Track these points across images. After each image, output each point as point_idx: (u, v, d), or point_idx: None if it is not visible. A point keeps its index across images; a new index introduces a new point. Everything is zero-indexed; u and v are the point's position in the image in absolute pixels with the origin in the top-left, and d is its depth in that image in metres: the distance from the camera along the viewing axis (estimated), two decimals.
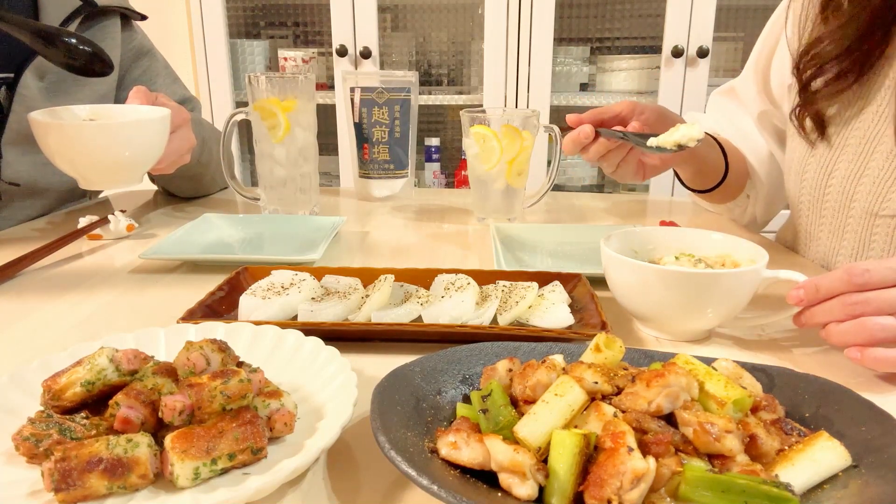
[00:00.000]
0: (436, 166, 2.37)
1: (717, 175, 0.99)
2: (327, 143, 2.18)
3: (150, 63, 1.17)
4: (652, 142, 0.77)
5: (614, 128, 0.86)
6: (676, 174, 1.05)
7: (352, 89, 1.11)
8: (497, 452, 0.36)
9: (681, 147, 0.76)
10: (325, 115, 2.08)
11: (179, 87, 1.22)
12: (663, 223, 0.97)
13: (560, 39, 2.31)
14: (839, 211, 0.79)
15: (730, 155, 0.98)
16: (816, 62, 0.79)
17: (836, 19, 0.77)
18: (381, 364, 0.50)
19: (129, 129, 0.80)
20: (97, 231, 0.92)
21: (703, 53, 2.02)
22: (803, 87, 0.81)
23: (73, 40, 0.77)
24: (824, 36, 0.78)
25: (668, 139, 0.76)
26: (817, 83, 0.79)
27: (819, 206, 0.82)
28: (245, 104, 1.02)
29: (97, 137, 0.78)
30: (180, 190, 1.20)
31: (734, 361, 0.45)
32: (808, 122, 0.81)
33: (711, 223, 1.05)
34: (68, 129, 0.78)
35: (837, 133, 0.78)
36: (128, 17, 1.13)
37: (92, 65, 0.79)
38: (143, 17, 1.15)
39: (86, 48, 0.78)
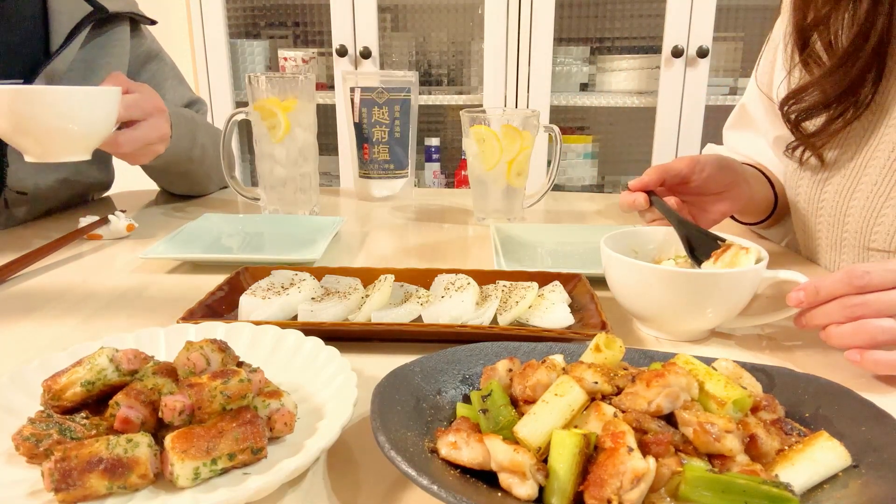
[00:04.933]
0: (436, 166, 2.37)
1: (767, 208, 0.92)
2: (327, 143, 2.18)
3: (158, 67, 1.17)
4: (705, 266, 0.63)
5: (667, 199, 0.78)
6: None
7: (352, 89, 1.11)
8: (497, 452, 0.36)
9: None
10: (325, 115, 2.08)
11: (186, 90, 1.22)
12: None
13: (560, 39, 2.31)
14: (834, 226, 0.77)
15: (776, 184, 0.92)
16: (803, 107, 0.76)
17: (819, 67, 0.74)
18: (381, 364, 0.50)
19: (67, 98, 0.77)
20: (97, 231, 0.92)
21: (703, 53, 2.02)
22: (795, 128, 0.78)
23: None
24: (809, 84, 0.74)
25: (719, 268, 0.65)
26: (808, 126, 0.77)
27: (814, 220, 0.81)
28: (245, 104, 1.02)
29: (33, 102, 0.75)
30: (173, 186, 1.20)
31: (734, 361, 0.45)
32: (807, 155, 0.79)
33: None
34: (3, 92, 0.75)
35: (830, 154, 0.77)
36: (136, 20, 1.12)
37: None
38: (153, 22, 1.14)
39: None
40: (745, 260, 0.59)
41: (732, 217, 0.98)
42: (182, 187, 1.20)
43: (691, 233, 0.66)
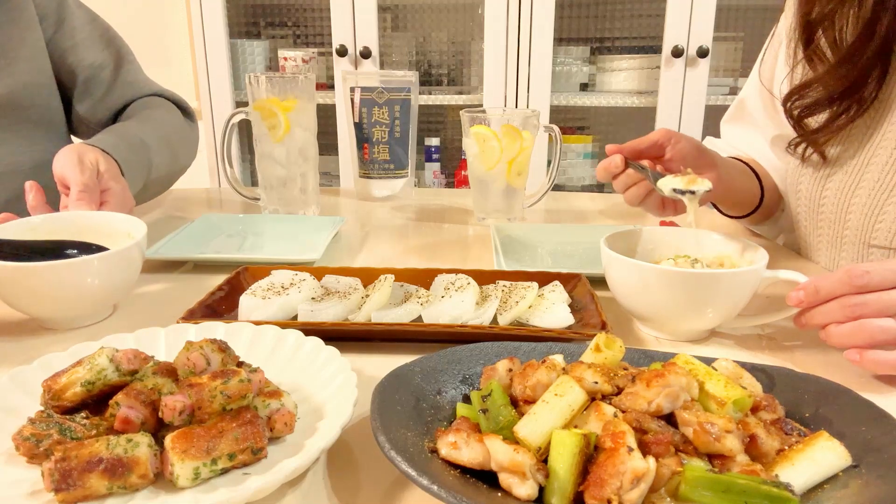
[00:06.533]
0: (436, 166, 2.37)
1: (752, 201, 0.93)
2: (327, 143, 2.18)
3: (70, 25, 1.03)
4: (661, 183, 0.70)
5: (642, 161, 0.80)
6: (714, 204, 0.98)
7: (352, 89, 1.11)
8: (497, 452, 0.36)
9: (691, 192, 0.69)
10: (325, 115, 2.07)
11: (105, 49, 1.07)
12: (663, 223, 0.97)
13: (560, 39, 2.31)
14: (835, 223, 0.77)
15: (764, 179, 0.93)
16: (806, 103, 0.76)
17: (823, 63, 0.74)
18: (381, 364, 0.50)
19: (88, 267, 0.62)
20: None
21: (703, 53, 2.02)
22: (797, 124, 0.78)
23: None
24: (813, 80, 0.74)
25: (674, 183, 0.69)
26: (810, 122, 0.77)
27: (815, 217, 0.81)
28: (245, 104, 1.02)
29: (52, 277, 0.60)
30: (138, 200, 1.07)
31: (734, 361, 0.45)
32: (809, 152, 0.79)
33: (712, 224, 1.05)
34: (11, 270, 0.59)
35: (832, 150, 0.77)
36: None
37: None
38: None
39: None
40: (699, 184, 0.67)
41: (718, 210, 0.99)
42: (144, 199, 1.11)
43: (656, 174, 0.72)
